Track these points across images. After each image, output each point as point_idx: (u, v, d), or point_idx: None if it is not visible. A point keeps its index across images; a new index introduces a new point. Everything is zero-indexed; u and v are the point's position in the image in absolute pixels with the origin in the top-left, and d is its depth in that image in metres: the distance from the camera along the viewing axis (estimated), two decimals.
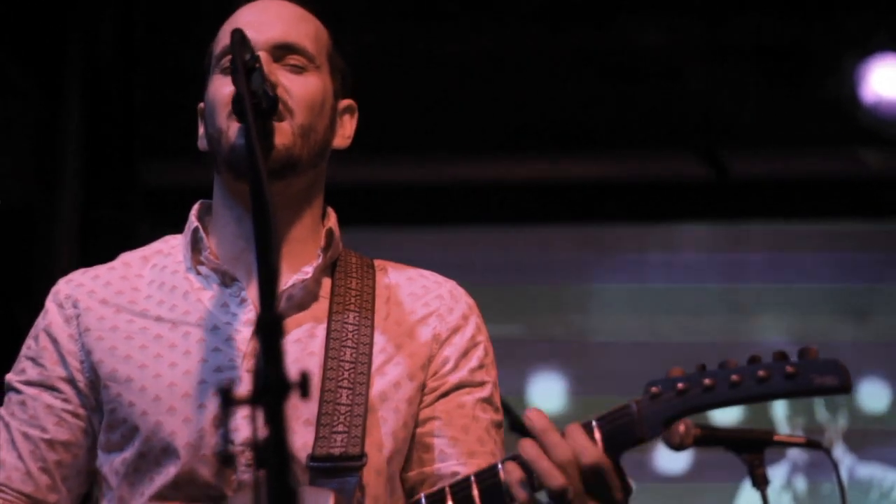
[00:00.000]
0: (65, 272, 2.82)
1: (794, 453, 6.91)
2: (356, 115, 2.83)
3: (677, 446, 3.90)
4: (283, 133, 2.61)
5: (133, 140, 6.62)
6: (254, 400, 1.87)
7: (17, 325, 3.00)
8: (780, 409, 7.13)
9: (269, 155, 2.58)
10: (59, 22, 6.30)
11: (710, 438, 3.93)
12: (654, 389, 2.31)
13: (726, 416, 6.97)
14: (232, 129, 2.62)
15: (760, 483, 3.90)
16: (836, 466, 4.13)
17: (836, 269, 7.32)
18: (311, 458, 2.53)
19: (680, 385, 2.29)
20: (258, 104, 2.51)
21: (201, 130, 2.76)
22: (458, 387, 2.70)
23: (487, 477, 2.40)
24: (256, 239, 2.06)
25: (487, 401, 2.72)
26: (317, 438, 2.54)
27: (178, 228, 2.81)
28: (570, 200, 7.25)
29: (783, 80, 6.83)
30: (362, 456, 2.54)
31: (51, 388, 2.68)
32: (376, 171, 6.97)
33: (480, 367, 2.73)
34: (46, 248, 6.32)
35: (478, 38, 6.74)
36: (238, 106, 2.54)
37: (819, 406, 7.13)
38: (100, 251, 2.97)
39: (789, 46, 6.79)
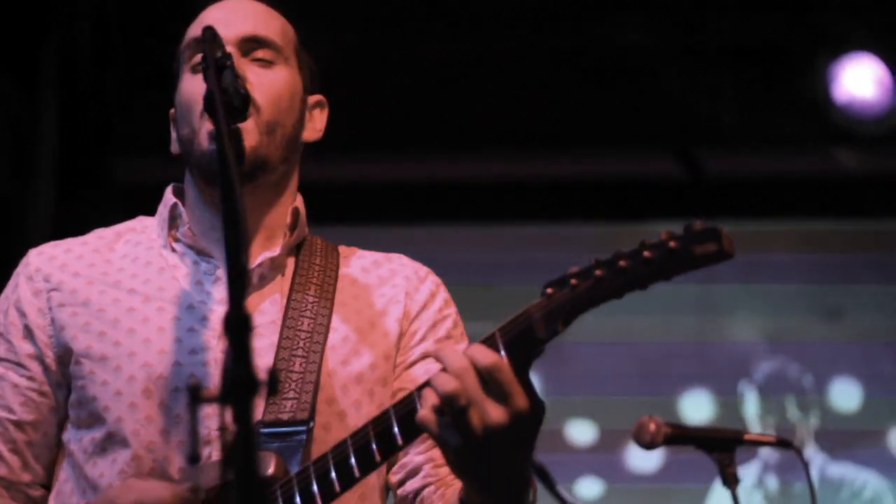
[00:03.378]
0: None
1: (766, 452, 6.92)
2: (326, 110, 2.85)
3: (648, 445, 3.91)
4: (249, 133, 2.62)
5: (107, 136, 6.61)
6: (222, 399, 1.87)
7: None
8: (751, 408, 7.14)
9: (240, 161, 2.55)
10: (35, 19, 6.29)
11: (680, 437, 3.94)
12: (549, 290, 2.28)
13: (697, 415, 7.00)
14: (203, 130, 2.63)
15: (731, 482, 3.90)
16: (806, 466, 4.14)
17: (810, 268, 7.33)
18: (261, 423, 2.52)
19: (573, 281, 2.26)
20: (230, 102, 2.50)
21: (174, 135, 2.77)
22: (425, 356, 2.70)
23: (404, 406, 2.34)
24: (227, 241, 2.04)
25: None
26: (267, 405, 2.54)
27: None
28: (546, 200, 7.25)
29: (758, 80, 6.85)
30: (310, 420, 2.54)
31: (18, 365, 2.66)
32: (355, 170, 6.98)
33: (448, 337, 2.75)
34: (21, 244, 6.28)
35: (455, 39, 6.75)
36: (208, 103, 2.50)
37: (790, 405, 7.15)
38: None
39: (764, 46, 6.81)
